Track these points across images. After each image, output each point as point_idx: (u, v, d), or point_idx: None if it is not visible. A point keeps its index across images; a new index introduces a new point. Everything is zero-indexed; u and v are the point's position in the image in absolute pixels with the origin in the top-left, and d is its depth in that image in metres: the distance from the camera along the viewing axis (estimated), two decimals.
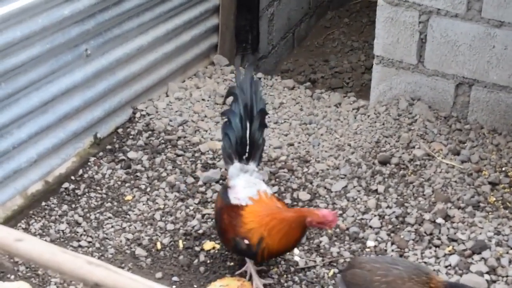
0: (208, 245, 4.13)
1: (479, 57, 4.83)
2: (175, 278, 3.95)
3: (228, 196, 3.87)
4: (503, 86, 4.84)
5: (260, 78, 5.65)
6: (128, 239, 4.19)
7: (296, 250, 4.08)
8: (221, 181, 4.54)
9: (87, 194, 4.48)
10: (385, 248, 4.11)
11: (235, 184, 3.89)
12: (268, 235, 3.67)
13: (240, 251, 3.80)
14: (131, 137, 4.90)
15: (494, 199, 4.40)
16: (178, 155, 4.76)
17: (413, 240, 4.14)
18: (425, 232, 4.16)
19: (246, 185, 3.87)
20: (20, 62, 4.16)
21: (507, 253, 4.00)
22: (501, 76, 4.82)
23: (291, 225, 3.66)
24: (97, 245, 4.15)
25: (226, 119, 4.11)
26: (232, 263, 4.03)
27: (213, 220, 4.22)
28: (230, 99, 4.27)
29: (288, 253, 3.98)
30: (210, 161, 4.70)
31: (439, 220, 4.22)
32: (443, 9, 4.83)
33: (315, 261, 4.04)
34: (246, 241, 3.70)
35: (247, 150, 3.98)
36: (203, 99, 5.26)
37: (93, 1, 4.54)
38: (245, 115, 4.01)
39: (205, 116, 5.10)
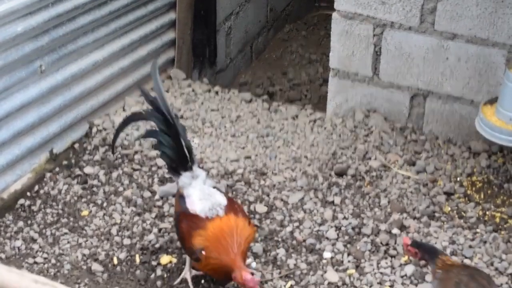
0: (165, 259, 4.13)
1: (433, 68, 4.89)
2: None
3: (185, 203, 3.89)
4: (457, 97, 4.89)
5: (217, 92, 5.66)
6: (84, 255, 4.17)
7: (253, 263, 4.09)
8: None
9: (43, 210, 4.45)
10: (341, 259, 4.13)
11: (190, 194, 3.91)
12: (205, 258, 3.74)
13: (195, 258, 3.83)
14: (87, 152, 4.88)
15: (449, 208, 4.45)
16: (135, 170, 4.75)
17: (369, 250, 4.16)
18: (381, 243, 4.19)
19: (202, 197, 3.88)
20: None
21: (462, 262, 4.04)
22: (455, 87, 4.87)
23: (220, 266, 3.73)
24: (53, 261, 4.13)
25: (155, 139, 4.11)
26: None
27: (169, 235, 4.23)
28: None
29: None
30: (167, 175, 4.69)
31: (395, 231, 4.25)
32: (397, 22, 4.87)
33: (272, 273, 4.04)
34: (203, 252, 3.74)
35: (188, 158, 3.99)
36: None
37: (47, 17, 4.51)
38: (170, 130, 4.00)
39: None
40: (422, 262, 4.00)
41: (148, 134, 4.21)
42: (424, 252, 3.60)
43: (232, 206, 3.88)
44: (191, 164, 3.98)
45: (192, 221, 3.81)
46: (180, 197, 3.95)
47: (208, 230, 3.76)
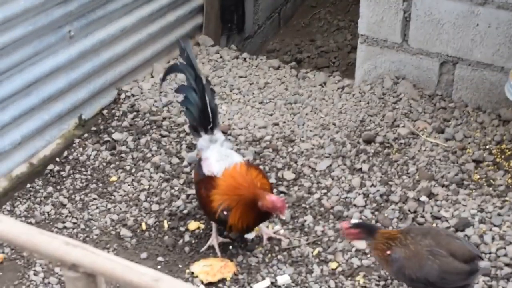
0: (193, 225, 4.15)
1: (463, 35, 4.83)
2: (160, 258, 3.96)
3: (202, 168, 3.92)
4: (487, 64, 4.84)
5: (245, 59, 5.65)
6: (113, 220, 4.20)
7: (281, 230, 4.10)
8: None
9: (72, 175, 4.48)
10: None
11: (208, 156, 3.94)
12: (229, 209, 3.77)
13: (220, 221, 3.85)
14: (116, 118, 4.90)
15: (478, 176, 4.42)
16: (163, 136, 4.76)
17: (397, 218, 4.15)
18: (409, 210, 4.18)
19: (219, 158, 3.92)
20: (2, 44, 4.15)
21: (490, 230, 4.02)
22: (485, 54, 4.82)
23: (246, 205, 3.74)
24: (82, 226, 4.16)
25: (182, 95, 4.14)
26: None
27: (196, 200, 4.25)
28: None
29: (250, 229, 3.96)
30: (195, 142, 4.69)
31: (423, 198, 4.23)
32: None
33: (299, 240, 4.05)
34: (225, 212, 3.77)
35: (211, 120, 4.00)
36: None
37: None
38: (198, 87, 4.05)
39: None
40: (451, 230, 3.99)
41: (179, 89, 4.22)
42: (365, 231, 3.58)
43: (248, 163, 3.94)
44: (213, 127, 3.99)
45: (209, 183, 3.84)
46: (198, 165, 3.97)
47: (221, 182, 3.80)
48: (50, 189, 4.37)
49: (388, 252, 3.45)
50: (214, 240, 4.01)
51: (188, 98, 4.07)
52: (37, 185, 4.40)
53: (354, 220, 3.58)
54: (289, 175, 4.47)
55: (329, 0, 7.41)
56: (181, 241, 4.07)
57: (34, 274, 3.87)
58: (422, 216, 4.14)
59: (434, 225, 4.06)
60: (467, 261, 3.38)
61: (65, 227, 4.15)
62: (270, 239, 4.05)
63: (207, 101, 4.03)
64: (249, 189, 3.75)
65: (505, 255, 3.86)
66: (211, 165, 3.89)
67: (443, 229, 3.84)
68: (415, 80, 5.10)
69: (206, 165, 3.91)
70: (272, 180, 4.40)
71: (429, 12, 4.87)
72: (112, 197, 4.35)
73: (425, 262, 3.39)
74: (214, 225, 4.01)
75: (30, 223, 4.14)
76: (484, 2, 4.70)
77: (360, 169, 4.49)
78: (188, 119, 4.17)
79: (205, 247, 4.01)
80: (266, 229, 4.06)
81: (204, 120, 4.02)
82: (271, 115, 5.01)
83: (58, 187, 4.40)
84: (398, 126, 4.80)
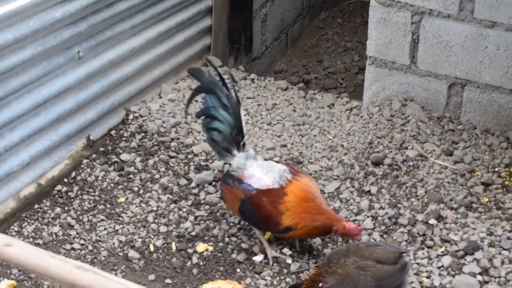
0: (201, 247, 4.13)
1: (472, 57, 4.84)
2: (168, 281, 3.95)
3: (250, 185, 3.91)
4: (496, 86, 4.84)
5: (253, 80, 5.66)
6: (121, 242, 4.18)
7: (288, 252, 4.09)
8: (214, 183, 4.54)
9: (80, 196, 4.47)
10: None
11: (252, 174, 3.94)
12: (296, 223, 3.84)
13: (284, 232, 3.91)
14: (124, 139, 4.90)
15: (487, 199, 4.41)
16: (171, 157, 4.76)
17: (406, 241, 4.14)
18: (418, 233, 4.16)
19: (266, 171, 3.93)
20: (12, 65, 4.16)
21: (500, 253, 4.00)
22: (494, 77, 4.82)
23: (317, 228, 3.84)
24: (90, 247, 4.15)
25: (205, 117, 4.12)
26: (224, 267, 4.02)
27: (205, 223, 4.24)
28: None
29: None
30: (203, 163, 4.70)
31: (432, 221, 4.22)
32: (436, 10, 4.83)
33: (308, 263, 4.04)
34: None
35: (244, 134, 4.02)
36: (196, 101, 5.25)
37: (85, 3, 4.54)
38: (231, 103, 4.03)
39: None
40: (460, 253, 3.98)
41: (203, 111, 4.16)
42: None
43: (291, 168, 3.98)
44: (244, 142, 4.01)
45: (271, 195, 3.85)
46: (238, 182, 3.95)
47: (290, 194, 3.84)
48: (58, 210, 4.37)
49: (320, 285, 3.49)
50: (271, 251, 4.03)
51: (216, 118, 4.03)
52: (45, 206, 4.40)
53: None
54: None
55: (337, 21, 7.42)
56: (189, 263, 4.06)
57: None
58: (431, 239, 4.12)
59: (443, 248, 4.04)
60: (395, 262, 3.51)
61: (73, 248, 4.14)
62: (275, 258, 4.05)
63: (242, 116, 4.01)
64: (324, 213, 3.84)
65: None
66: (262, 179, 3.90)
67: (359, 242, 3.90)
68: (423, 102, 5.10)
69: (254, 182, 3.91)
70: None
71: (437, 34, 4.87)
72: (120, 218, 4.34)
73: (358, 279, 3.46)
74: (261, 237, 4.05)
75: (38, 244, 4.13)
76: (493, 25, 4.70)
77: (369, 191, 4.48)
78: (216, 142, 4.06)
79: (271, 261, 4.01)
80: (271, 249, 4.06)
81: (237, 136, 4.00)
82: (279, 136, 5.00)
83: (66, 208, 4.39)
84: (406, 148, 4.79)
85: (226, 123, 4.01)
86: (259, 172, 3.92)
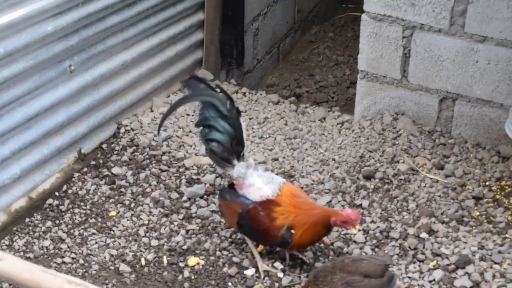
0: (192, 260, 4.13)
1: (463, 71, 4.85)
2: None
3: (247, 198, 3.92)
4: (487, 100, 4.86)
5: (244, 93, 5.67)
6: (112, 255, 4.17)
7: (280, 265, 4.08)
8: (205, 196, 4.53)
9: (71, 210, 4.47)
10: None
11: (252, 183, 3.93)
12: (294, 227, 3.83)
13: (283, 243, 3.89)
14: (115, 152, 4.90)
15: (478, 213, 4.41)
16: (163, 171, 4.75)
17: (397, 255, 4.14)
18: (409, 247, 4.17)
19: (266, 181, 3.93)
20: (3, 78, 4.15)
21: (491, 267, 4.00)
22: (485, 91, 4.84)
23: (315, 224, 3.82)
24: (81, 261, 4.14)
25: (203, 128, 4.12)
26: (215, 280, 4.02)
27: (197, 236, 4.23)
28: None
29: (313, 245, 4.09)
30: (194, 176, 4.69)
31: (423, 235, 4.22)
32: (427, 24, 4.85)
33: (299, 277, 4.03)
34: (293, 231, 3.84)
35: (244, 145, 4.02)
36: (187, 114, 5.26)
37: (77, 17, 4.54)
38: (231, 113, 4.03)
39: (190, 131, 5.10)
40: (451, 267, 3.98)
41: (202, 120, 4.13)
42: None
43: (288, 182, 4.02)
44: (244, 152, 4.01)
45: (267, 207, 3.86)
46: (236, 196, 3.96)
47: (282, 197, 3.86)
48: (49, 223, 4.36)
49: None
50: (263, 265, 4.02)
51: (215, 129, 4.02)
52: (36, 220, 4.39)
53: None
54: None
55: (328, 35, 7.44)
56: (180, 276, 4.05)
57: None
58: (423, 253, 4.12)
59: (434, 262, 4.05)
60: (381, 274, 3.54)
61: (63, 262, 4.13)
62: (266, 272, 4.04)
63: (242, 126, 4.01)
64: (316, 209, 3.85)
65: None
66: (262, 189, 3.90)
67: (344, 257, 3.91)
68: (414, 116, 5.11)
69: (253, 192, 3.91)
70: None
71: (428, 48, 4.89)
72: (111, 232, 4.33)
73: None
74: (254, 251, 4.04)
75: (29, 258, 4.12)
76: (484, 39, 4.72)
77: (360, 205, 4.48)
78: (216, 153, 4.04)
79: (262, 275, 4.00)
80: (262, 263, 4.05)
81: (237, 146, 4.00)
82: (270, 150, 5.01)
83: (57, 222, 4.38)
84: (397, 162, 4.80)
85: (226, 132, 4.00)
86: (260, 182, 3.92)
